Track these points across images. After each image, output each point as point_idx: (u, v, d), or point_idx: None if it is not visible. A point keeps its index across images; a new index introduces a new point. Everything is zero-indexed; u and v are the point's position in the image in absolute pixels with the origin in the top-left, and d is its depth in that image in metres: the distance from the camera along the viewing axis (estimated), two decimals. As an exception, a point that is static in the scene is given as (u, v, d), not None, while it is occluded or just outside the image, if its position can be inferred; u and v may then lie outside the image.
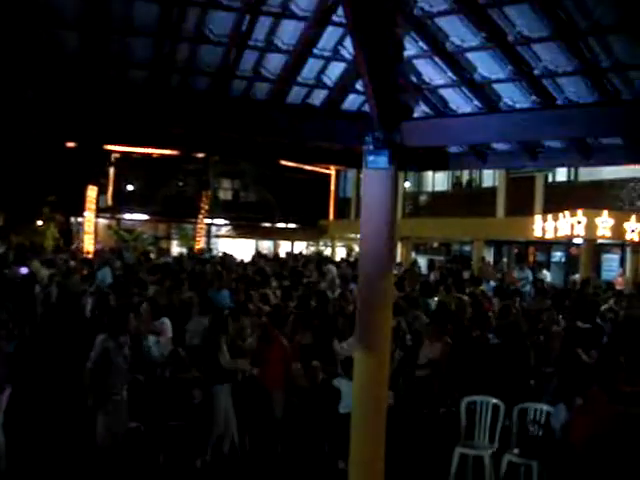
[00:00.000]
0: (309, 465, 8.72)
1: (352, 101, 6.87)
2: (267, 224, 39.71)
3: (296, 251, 32.65)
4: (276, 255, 29.07)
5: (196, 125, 6.76)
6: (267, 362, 9.19)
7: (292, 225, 40.73)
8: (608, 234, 19.18)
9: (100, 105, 6.26)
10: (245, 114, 6.69)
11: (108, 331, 7.81)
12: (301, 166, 34.06)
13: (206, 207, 33.53)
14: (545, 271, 21.66)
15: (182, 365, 8.83)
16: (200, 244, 33.22)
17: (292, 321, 10.52)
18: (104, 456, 7.60)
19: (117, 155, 35.68)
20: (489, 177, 27.22)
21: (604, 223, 19.06)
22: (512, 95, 6.15)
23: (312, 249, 37.12)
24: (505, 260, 26.90)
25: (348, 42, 6.11)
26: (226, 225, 40.80)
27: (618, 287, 17.17)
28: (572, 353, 8.83)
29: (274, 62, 6.44)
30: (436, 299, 13.12)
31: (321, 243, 38.77)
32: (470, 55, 6.00)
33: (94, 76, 6.17)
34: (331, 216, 37.99)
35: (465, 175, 28.69)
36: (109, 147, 31.39)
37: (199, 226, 33.95)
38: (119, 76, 6.33)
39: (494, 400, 8.54)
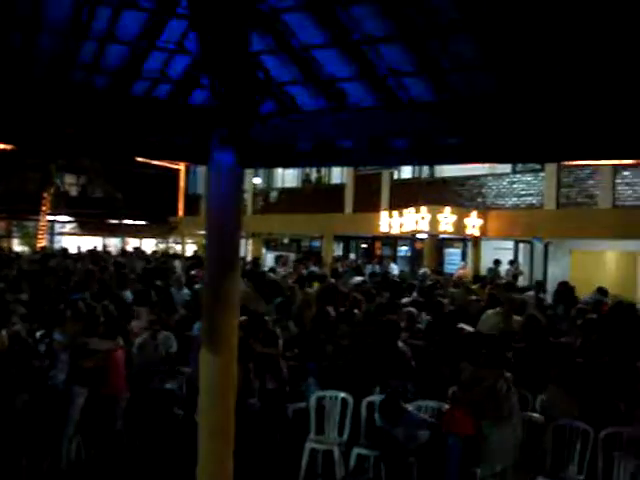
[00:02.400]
0: (155, 469, 8.51)
1: (198, 96, 6.70)
2: (114, 221, 38.60)
3: (145, 248, 31.90)
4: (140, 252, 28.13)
5: (33, 118, 6.39)
6: (110, 368, 8.90)
7: (141, 222, 39.80)
8: (450, 229, 19.98)
9: None
10: (85, 106, 6.39)
11: None
12: (149, 161, 33.29)
13: (49, 203, 32.14)
14: (392, 264, 22.28)
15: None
16: (43, 242, 31.84)
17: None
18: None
19: (-50, 150, 33.55)
20: (337, 174, 27.67)
21: (446, 219, 19.82)
22: (358, 93, 6.19)
23: (161, 246, 36.39)
24: (353, 255, 27.43)
25: (193, 34, 5.95)
26: (71, 222, 39.35)
27: (459, 279, 17.93)
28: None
29: (115, 53, 6.19)
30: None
31: (171, 240, 38.11)
32: (317, 52, 5.99)
33: None
34: (180, 212, 37.41)
35: (314, 172, 29.02)
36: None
37: (41, 223, 32.49)
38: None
39: (342, 394, 8.65)
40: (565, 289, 13.83)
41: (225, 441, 6.32)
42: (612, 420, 7.67)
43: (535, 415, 7.93)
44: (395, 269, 21.24)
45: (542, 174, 19.93)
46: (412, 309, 11.03)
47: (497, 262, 19.88)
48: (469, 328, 9.85)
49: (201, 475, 6.34)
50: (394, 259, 25.36)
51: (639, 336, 10.10)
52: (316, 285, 15.24)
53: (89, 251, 25.06)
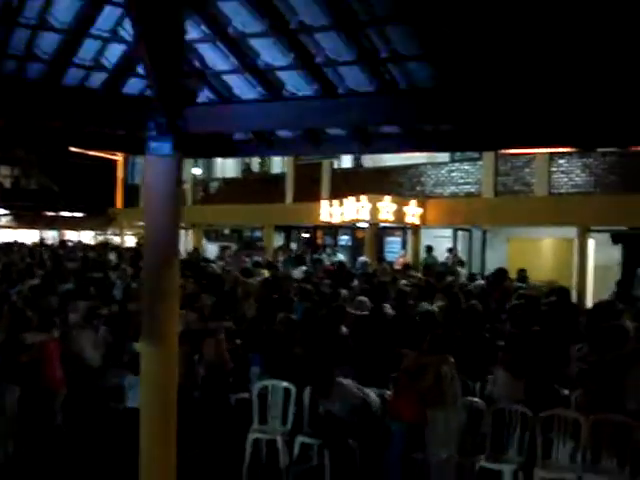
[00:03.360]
0: (96, 465, 8.39)
1: (133, 85, 6.62)
2: (51, 213, 37.80)
3: (85, 240, 31.43)
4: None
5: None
6: (45, 361, 8.73)
7: (78, 214, 39.06)
8: (390, 218, 20.10)
9: None
10: (16, 96, 6.24)
11: None
12: (86, 152, 32.67)
13: (-18, 196, 31.34)
14: (339, 254, 22.38)
15: None
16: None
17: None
18: None
19: None
20: (278, 164, 27.59)
21: (386, 208, 19.93)
22: (295, 83, 6.19)
23: (100, 238, 35.81)
24: (294, 245, 27.44)
25: (128, 22, 5.86)
26: (5, 215, 38.43)
27: (398, 267, 18.11)
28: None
29: (48, 41, 6.06)
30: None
31: (109, 232, 37.51)
32: (253, 41, 5.97)
33: None
34: (119, 204, 36.81)
35: (255, 162, 28.88)
36: None
37: (-26, 217, 31.67)
38: None
39: (285, 384, 8.65)
40: (498, 276, 14.10)
41: (167, 433, 6.28)
42: (551, 403, 7.85)
43: (476, 400, 8.06)
44: (342, 258, 21.35)
45: (480, 163, 20.19)
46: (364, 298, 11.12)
47: (429, 249, 20.07)
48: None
49: (144, 468, 6.29)
50: (335, 248, 25.48)
51: (573, 321, 10.37)
52: (265, 273, 15.32)
53: (24, 244, 24.61)
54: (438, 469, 7.37)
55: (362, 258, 19.20)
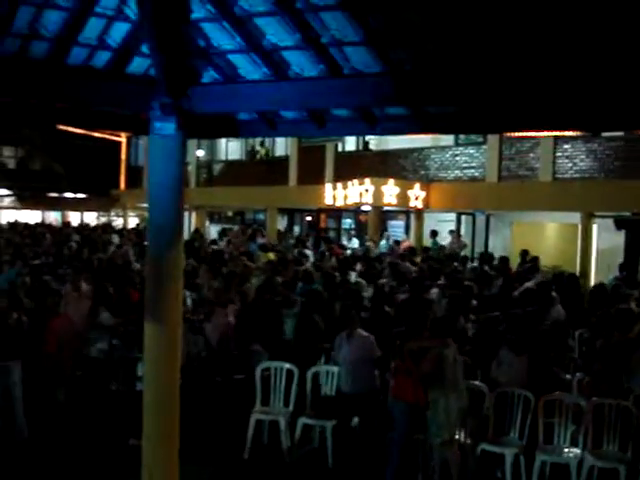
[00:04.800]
0: (98, 445, 8.42)
1: (138, 64, 6.54)
2: (54, 194, 37.85)
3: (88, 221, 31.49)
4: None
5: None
6: (49, 340, 8.77)
7: (81, 195, 39.10)
8: (394, 201, 20.08)
9: None
10: (20, 75, 6.20)
11: None
12: (90, 133, 32.62)
13: (-15, 177, 31.36)
14: (355, 239, 22.41)
15: None
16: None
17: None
18: None
19: None
20: (281, 146, 27.54)
21: (390, 191, 19.90)
22: (300, 63, 6.13)
23: (103, 219, 35.86)
24: (297, 227, 27.47)
25: (133, 1, 5.81)
26: (9, 196, 38.45)
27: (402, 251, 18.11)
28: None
29: (52, 19, 6.00)
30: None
31: (112, 213, 37.55)
32: (259, 20, 5.90)
33: None
34: (122, 185, 36.81)
35: (258, 145, 28.80)
36: None
37: (-22, 197, 31.70)
38: None
39: (287, 365, 8.68)
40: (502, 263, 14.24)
41: (170, 413, 6.29)
42: (552, 387, 7.87)
43: (477, 383, 8.08)
44: (356, 243, 21.41)
45: (484, 147, 20.14)
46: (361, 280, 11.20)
47: (434, 233, 20.10)
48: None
49: (146, 448, 6.31)
50: (338, 232, 25.49)
51: (579, 305, 10.40)
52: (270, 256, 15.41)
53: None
54: (439, 451, 7.40)
55: (367, 242, 19.22)
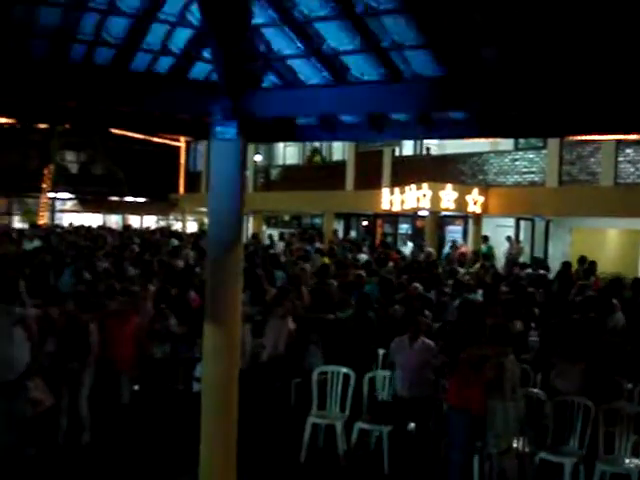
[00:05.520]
0: (160, 446, 8.54)
1: (199, 69, 6.64)
2: (115, 198, 38.58)
3: (147, 225, 32.00)
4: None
5: (33, 92, 6.36)
6: (116, 341, 8.90)
7: (141, 199, 39.77)
8: (452, 206, 19.92)
9: None
10: (85, 81, 6.35)
11: None
12: (150, 138, 33.22)
13: (49, 180, 32.07)
14: (409, 243, 22.38)
15: None
16: (44, 219, 31.84)
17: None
18: None
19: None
20: (338, 151, 27.61)
21: (448, 196, 19.76)
22: (360, 67, 6.13)
23: (162, 223, 36.39)
24: (354, 232, 27.47)
25: (195, 7, 5.89)
26: (72, 199, 39.31)
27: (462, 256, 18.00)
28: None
29: (117, 26, 6.13)
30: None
31: (171, 217, 38.11)
32: (319, 25, 5.93)
33: None
34: (181, 189, 37.35)
35: (313, 150, 28.91)
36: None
37: (42, 200, 32.44)
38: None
39: (344, 370, 8.68)
40: (563, 269, 14.04)
41: (228, 415, 6.36)
42: (613, 396, 7.71)
43: (536, 391, 7.97)
44: (409, 248, 21.39)
45: (544, 151, 19.84)
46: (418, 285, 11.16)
47: (485, 239, 19.86)
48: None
49: (204, 449, 6.38)
50: (395, 237, 25.41)
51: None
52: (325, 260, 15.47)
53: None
54: (498, 460, 7.31)
55: (428, 249, 19.18)
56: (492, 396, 7.15)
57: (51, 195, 34.08)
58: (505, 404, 7.14)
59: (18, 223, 33.88)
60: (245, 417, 6.71)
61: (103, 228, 27.66)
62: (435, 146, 23.72)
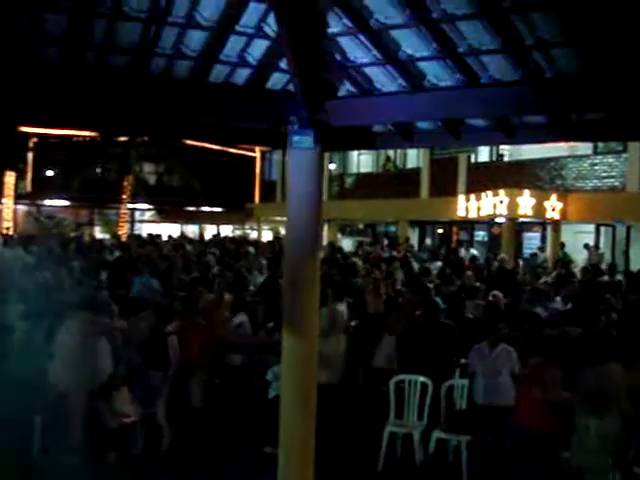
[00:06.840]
0: (234, 452, 8.61)
1: (276, 80, 6.72)
2: (192, 208, 39.28)
3: (223, 234, 32.49)
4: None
5: (114, 105, 6.52)
6: (185, 346, 9.03)
7: (217, 209, 40.38)
8: (529, 213, 19.59)
9: (12, 85, 5.98)
10: (165, 93, 6.49)
11: None
12: (226, 149, 33.72)
13: (129, 191, 32.85)
14: (473, 250, 22.13)
15: None
16: (124, 229, 32.62)
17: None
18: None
19: (35, 140, 34.59)
20: (413, 158, 27.49)
21: (525, 202, 19.44)
22: (436, 73, 6.11)
23: (238, 232, 36.86)
24: (429, 240, 27.27)
25: (271, 19, 5.96)
26: (150, 210, 40.18)
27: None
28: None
29: (195, 39, 6.25)
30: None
31: (247, 226, 38.56)
32: (395, 32, 5.93)
33: (3, 54, 5.89)
34: (257, 199, 37.77)
35: (386, 159, 28.86)
36: (26, 131, 30.44)
37: (122, 211, 33.26)
38: (31, 54, 6.05)
39: (422, 378, 8.61)
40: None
41: (306, 423, 6.37)
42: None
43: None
44: (475, 253, 21.15)
45: (624, 155, 19.35)
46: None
47: (562, 245, 19.47)
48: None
49: (282, 457, 6.41)
50: (471, 244, 25.11)
51: None
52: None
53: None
54: (592, 475, 7.03)
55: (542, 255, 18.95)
56: (583, 411, 6.88)
57: (130, 206, 34.88)
58: (602, 419, 6.83)
59: (99, 234, 34.79)
60: (322, 426, 6.70)
61: (183, 238, 28.13)
62: (507, 151, 23.39)
